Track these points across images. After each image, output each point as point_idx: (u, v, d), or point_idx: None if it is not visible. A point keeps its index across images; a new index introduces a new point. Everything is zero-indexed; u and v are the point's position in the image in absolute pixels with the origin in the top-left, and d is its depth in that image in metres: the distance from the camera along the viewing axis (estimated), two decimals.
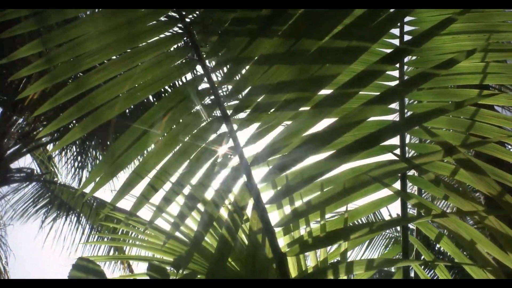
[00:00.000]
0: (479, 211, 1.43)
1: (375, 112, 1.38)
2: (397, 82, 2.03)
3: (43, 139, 8.95)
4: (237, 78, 1.53)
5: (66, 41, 1.62)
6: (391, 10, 1.34)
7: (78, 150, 8.81)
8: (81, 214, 9.78)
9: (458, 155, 1.40)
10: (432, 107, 1.91)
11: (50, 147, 9.59)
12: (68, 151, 9.06)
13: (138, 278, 2.47)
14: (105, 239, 9.75)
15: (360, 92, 1.44)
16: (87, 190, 1.78)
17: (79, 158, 8.96)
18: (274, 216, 1.73)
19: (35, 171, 9.68)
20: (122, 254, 9.46)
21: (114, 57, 1.64)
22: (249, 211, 1.53)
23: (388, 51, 1.97)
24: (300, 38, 1.40)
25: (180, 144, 1.60)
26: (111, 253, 9.75)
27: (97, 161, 9.18)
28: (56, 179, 10.22)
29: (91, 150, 8.78)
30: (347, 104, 1.42)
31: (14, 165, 8.77)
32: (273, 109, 1.46)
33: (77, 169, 9.10)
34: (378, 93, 1.70)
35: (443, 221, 1.55)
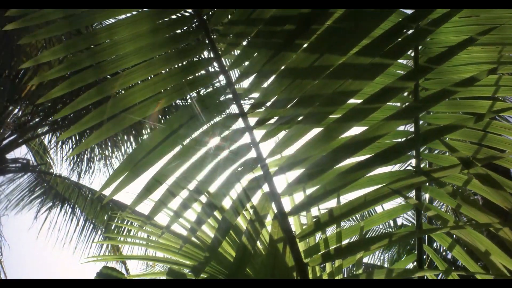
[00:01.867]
0: (494, 223, 1.47)
1: (395, 126, 1.42)
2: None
3: (39, 129, 8.95)
4: (261, 90, 1.56)
5: (88, 47, 1.65)
6: (415, 28, 1.38)
7: (76, 143, 8.81)
8: (76, 206, 9.79)
9: (476, 169, 1.44)
10: (446, 118, 1.95)
11: (46, 138, 9.60)
12: (65, 145, 9.07)
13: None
14: (99, 232, 9.79)
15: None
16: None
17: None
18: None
19: (30, 162, 9.70)
20: (115, 246, 9.51)
21: (137, 64, 1.66)
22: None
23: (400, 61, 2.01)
24: (323, 53, 1.43)
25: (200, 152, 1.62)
26: (104, 246, 9.77)
27: (93, 154, 9.23)
28: (51, 170, 10.22)
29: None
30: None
31: (10, 155, 8.78)
32: (296, 121, 1.49)
33: (75, 162, 9.14)
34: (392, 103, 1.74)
35: (458, 232, 1.59)
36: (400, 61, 2.03)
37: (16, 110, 8.79)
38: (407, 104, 1.99)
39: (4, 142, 8.53)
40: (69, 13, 1.63)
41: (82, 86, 1.71)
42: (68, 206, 9.81)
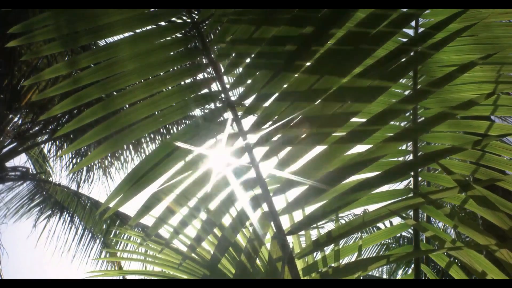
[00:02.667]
0: (492, 245, 1.47)
1: (395, 147, 1.43)
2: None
3: (39, 138, 8.96)
4: (261, 109, 1.57)
5: (91, 64, 1.66)
6: (414, 51, 1.40)
7: (76, 152, 8.82)
8: (75, 214, 9.78)
9: (473, 192, 1.45)
10: (445, 137, 1.97)
11: (46, 146, 9.60)
12: (65, 154, 9.07)
13: None
14: (98, 241, 9.78)
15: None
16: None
17: (74, 161, 8.98)
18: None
19: (30, 170, 9.69)
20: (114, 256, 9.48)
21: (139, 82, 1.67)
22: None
23: None
24: (324, 75, 1.45)
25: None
26: (103, 255, 9.75)
27: (92, 163, 9.23)
28: (50, 178, 10.23)
29: (88, 153, 8.79)
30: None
31: (9, 163, 8.78)
32: (296, 141, 1.50)
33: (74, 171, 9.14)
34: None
35: (456, 252, 1.60)
36: None
37: (16, 119, 8.82)
38: (406, 125, 2.01)
39: (4, 150, 8.53)
40: (72, 30, 1.64)
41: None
42: (67, 215, 9.79)
